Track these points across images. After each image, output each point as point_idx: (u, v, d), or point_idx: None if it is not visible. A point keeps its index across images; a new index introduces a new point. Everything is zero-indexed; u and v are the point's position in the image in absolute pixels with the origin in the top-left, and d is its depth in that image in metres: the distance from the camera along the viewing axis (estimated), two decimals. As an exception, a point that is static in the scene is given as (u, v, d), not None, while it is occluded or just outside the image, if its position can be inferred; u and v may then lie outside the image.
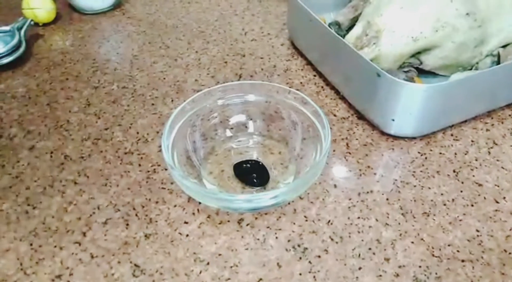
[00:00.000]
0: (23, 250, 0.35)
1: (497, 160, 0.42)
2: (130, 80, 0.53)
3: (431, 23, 0.46)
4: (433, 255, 0.35)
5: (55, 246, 0.36)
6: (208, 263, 0.34)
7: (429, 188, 0.40)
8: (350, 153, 0.43)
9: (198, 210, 0.38)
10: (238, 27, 0.63)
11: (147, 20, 0.65)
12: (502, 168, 0.42)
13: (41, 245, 0.36)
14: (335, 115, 0.48)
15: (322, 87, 0.51)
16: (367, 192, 0.39)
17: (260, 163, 0.41)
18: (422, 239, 0.36)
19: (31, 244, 0.36)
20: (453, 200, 0.39)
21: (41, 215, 0.38)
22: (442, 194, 0.39)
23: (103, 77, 0.54)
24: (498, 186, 0.40)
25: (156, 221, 0.37)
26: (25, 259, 0.35)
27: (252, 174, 0.39)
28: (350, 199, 0.39)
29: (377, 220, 0.37)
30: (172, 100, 0.50)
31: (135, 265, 0.34)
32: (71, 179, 0.41)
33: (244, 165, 0.40)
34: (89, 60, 0.57)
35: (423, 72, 0.50)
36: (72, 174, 0.42)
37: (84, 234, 0.36)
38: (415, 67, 0.50)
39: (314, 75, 0.53)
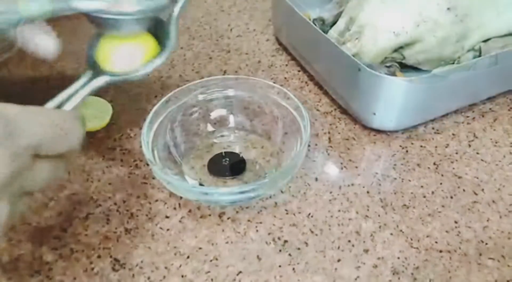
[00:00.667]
0: (2, 246, 0.35)
1: (477, 153, 0.43)
2: (114, 77, 0.53)
3: (413, 18, 0.47)
4: (411, 246, 0.35)
5: (35, 242, 0.35)
6: (188, 257, 0.34)
7: (409, 181, 0.40)
8: (332, 147, 0.43)
9: (179, 204, 0.38)
10: (224, 23, 0.63)
11: (133, 16, 0.65)
12: (482, 160, 0.42)
13: (20, 240, 0.35)
14: (318, 110, 0.48)
15: (306, 82, 0.52)
16: (348, 185, 0.40)
17: (236, 154, 0.41)
18: (401, 231, 0.36)
19: (10, 240, 0.35)
20: (432, 192, 0.39)
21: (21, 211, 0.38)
22: (422, 187, 0.40)
23: (87, 73, 0.54)
24: (477, 178, 0.40)
25: (137, 216, 0.37)
26: (4, 254, 0.34)
27: (226, 165, 0.40)
28: (331, 192, 0.39)
29: (357, 213, 0.37)
30: (155, 96, 0.50)
31: (115, 259, 0.34)
32: (52, 174, 0.41)
33: (222, 159, 0.41)
34: (73, 56, 0.56)
35: (405, 67, 0.50)
36: (53, 170, 0.41)
37: (64, 229, 0.36)
38: (398, 62, 0.50)
39: (298, 71, 0.53)
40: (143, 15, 0.29)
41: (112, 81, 0.32)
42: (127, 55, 0.32)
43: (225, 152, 0.42)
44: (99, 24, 0.31)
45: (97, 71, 0.32)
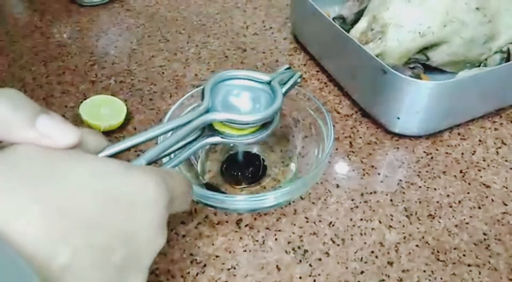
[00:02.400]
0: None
1: (506, 160, 0.41)
2: (128, 75, 0.52)
3: (439, 17, 0.45)
4: (438, 259, 0.33)
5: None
6: (205, 265, 0.33)
7: (435, 189, 0.38)
8: (353, 152, 0.42)
9: (195, 209, 0.37)
10: (239, 20, 0.62)
11: (146, 12, 0.64)
12: (511, 168, 0.40)
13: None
14: (338, 112, 0.46)
15: (325, 83, 0.50)
16: (371, 193, 0.38)
17: (256, 155, 0.39)
18: (427, 242, 0.34)
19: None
20: (459, 201, 0.37)
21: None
22: (448, 196, 0.38)
23: (100, 71, 0.52)
24: (506, 188, 0.38)
25: (152, 221, 0.36)
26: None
27: (244, 170, 0.38)
28: (352, 200, 0.37)
29: (380, 222, 0.36)
30: (170, 96, 0.49)
31: (130, 266, 0.33)
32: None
33: (240, 162, 0.39)
34: (87, 53, 0.55)
35: (429, 69, 0.48)
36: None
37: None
38: (422, 64, 0.48)
39: (317, 71, 0.52)
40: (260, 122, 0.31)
41: (221, 142, 0.31)
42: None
43: (244, 153, 0.40)
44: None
45: (210, 130, 0.31)
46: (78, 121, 0.44)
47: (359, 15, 0.52)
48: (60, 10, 0.64)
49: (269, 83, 0.32)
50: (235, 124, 0.30)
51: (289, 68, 0.34)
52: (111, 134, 0.44)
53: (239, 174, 0.38)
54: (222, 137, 0.31)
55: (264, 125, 0.32)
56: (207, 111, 0.29)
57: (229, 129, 0.30)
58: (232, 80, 0.32)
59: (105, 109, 0.44)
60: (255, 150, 0.41)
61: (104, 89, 0.50)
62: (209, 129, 0.31)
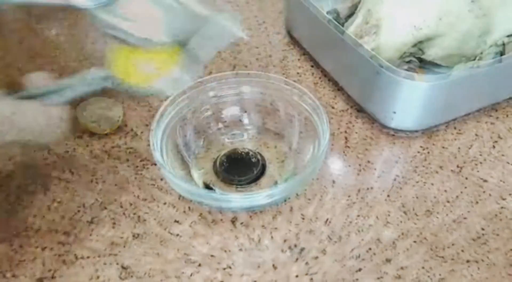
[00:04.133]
0: (2, 251, 0.33)
1: (502, 155, 0.41)
2: (119, 71, 0.51)
3: (435, 11, 0.44)
4: (436, 256, 0.33)
5: (37, 247, 0.33)
6: (200, 265, 0.32)
7: (432, 185, 0.38)
8: (349, 148, 0.41)
9: (189, 208, 0.36)
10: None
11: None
12: (507, 163, 0.40)
13: (21, 245, 0.34)
14: (333, 107, 0.45)
15: (320, 78, 0.49)
16: (367, 189, 0.38)
17: (252, 153, 0.39)
18: (424, 239, 0.34)
19: (11, 245, 0.34)
20: (456, 197, 0.37)
21: (22, 214, 0.36)
22: (445, 191, 0.37)
23: (91, 67, 0.51)
24: (503, 182, 0.38)
25: (145, 220, 0.35)
26: (3, 261, 0.33)
27: (243, 171, 0.38)
28: (349, 197, 0.37)
29: (377, 219, 0.35)
30: (163, 92, 0.48)
31: (123, 266, 0.32)
32: (55, 175, 0.39)
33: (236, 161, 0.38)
34: (77, 50, 0.54)
35: (424, 63, 0.48)
36: (56, 170, 0.39)
37: (68, 233, 0.34)
38: (417, 58, 0.48)
39: (312, 66, 0.51)
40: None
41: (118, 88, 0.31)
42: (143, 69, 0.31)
43: (241, 151, 0.39)
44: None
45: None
46: (76, 123, 0.42)
47: (353, 9, 0.52)
48: (58, 12, 0.63)
49: None
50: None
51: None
52: (111, 135, 0.42)
53: (238, 176, 0.38)
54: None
55: None
56: None
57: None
58: None
59: (100, 110, 0.43)
60: (249, 146, 0.40)
61: (94, 86, 0.48)
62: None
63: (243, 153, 0.39)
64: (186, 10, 0.30)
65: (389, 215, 0.36)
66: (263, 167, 0.38)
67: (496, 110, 0.45)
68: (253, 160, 0.39)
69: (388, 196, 0.37)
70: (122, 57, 0.31)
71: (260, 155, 0.39)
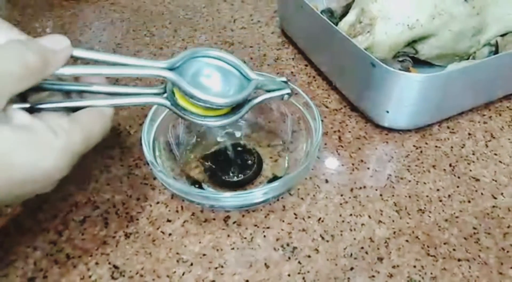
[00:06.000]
0: (-7, 251, 0.33)
1: (495, 154, 0.41)
2: (113, 70, 0.51)
3: (428, 10, 0.44)
4: (428, 254, 0.33)
5: (28, 246, 0.33)
6: (191, 264, 0.32)
7: (425, 183, 0.38)
8: (342, 146, 0.41)
9: (182, 207, 0.36)
10: (227, 14, 0.60)
11: (131, 6, 0.62)
12: (500, 162, 0.40)
13: (12, 245, 0.33)
14: (327, 107, 0.45)
15: (313, 77, 0.49)
16: (360, 188, 0.38)
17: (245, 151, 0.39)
18: (417, 237, 0.34)
19: (1, 245, 0.33)
20: (449, 195, 0.37)
21: (13, 213, 0.36)
22: (438, 190, 0.37)
23: (84, 66, 0.51)
24: (495, 181, 0.38)
25: (137, 219, 0.35)
26: (-5, 261, 0.32)
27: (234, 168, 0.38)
28: (342, 195, 0.37)
29: (370, 217, 0.35)
30: (156, 91, 0.47)
31: (114, 266, 0.32)
32: (47, 174, 0.39)
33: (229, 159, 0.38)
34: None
35: (418, 62, 0.48)
36: (48, 169, 0.39)
37: (59, 233, 0.34)
38: (411, 57, 0.48)
39: (306, 65, 0.51)
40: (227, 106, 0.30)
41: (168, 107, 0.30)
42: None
43: (234, 150, 0.39)
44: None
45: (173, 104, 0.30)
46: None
47: (347, 9, 0.52)
48: (42, 3, 0.62)
49: (249, 79, 0.31)
50: (197, 102, 0.28)
51: (286, 82, 0.33)
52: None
53: (230, 175, 0.37)
54: (174, 110, 0.30)
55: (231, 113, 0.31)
56: (171, 69, 0.28)
57: (192, 107, 0.29)
58: (216, 61, 0.30)
59: None
60: (242, 144, 0.40)
61: (87, 85, 0.48)
62: (172, 101, 0.30)
63: (236, 151, 0.39)
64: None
65: (381, 214, 0.36)
66: (256, 165, 0.38)
67: (489, 109, 0.45)
68: (246, 158, 0.39)
69: (381, 194, 0.37)
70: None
71: (254, 153, 0.39)
